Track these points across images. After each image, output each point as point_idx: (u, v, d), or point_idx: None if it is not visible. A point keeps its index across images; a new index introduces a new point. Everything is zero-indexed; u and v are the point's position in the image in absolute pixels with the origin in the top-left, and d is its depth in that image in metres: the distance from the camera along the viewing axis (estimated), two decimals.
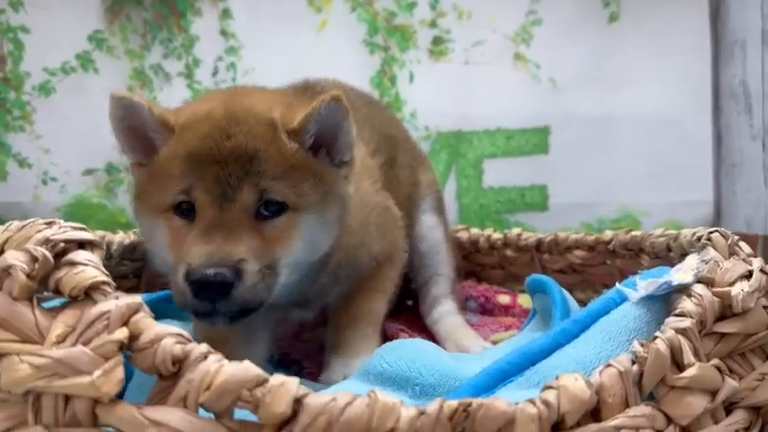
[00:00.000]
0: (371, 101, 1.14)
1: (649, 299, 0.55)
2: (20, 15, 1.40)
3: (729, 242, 0.59)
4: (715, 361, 0.49)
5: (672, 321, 0.49)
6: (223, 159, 0.66)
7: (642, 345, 0.46)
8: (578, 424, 0.42)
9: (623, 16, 1.51)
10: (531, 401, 0.41)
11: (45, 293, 0.45)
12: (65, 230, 0.47)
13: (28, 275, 0.43)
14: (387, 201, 0.89)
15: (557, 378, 0.43)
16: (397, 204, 0.91)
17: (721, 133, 1.53)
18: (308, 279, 0.73)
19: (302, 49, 1.45)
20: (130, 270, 1.01)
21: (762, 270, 0.56)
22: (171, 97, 1.37)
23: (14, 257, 0.44)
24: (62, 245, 0.46)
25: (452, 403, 0.40)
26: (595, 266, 1.08)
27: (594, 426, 0.43)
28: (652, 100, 1.51)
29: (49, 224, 0.48)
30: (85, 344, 0.41)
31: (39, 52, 1.41)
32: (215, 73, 1.46)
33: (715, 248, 0.58)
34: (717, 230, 0.61)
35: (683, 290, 0.53)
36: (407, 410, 0.40)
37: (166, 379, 0.41)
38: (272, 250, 0.66)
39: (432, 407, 0.40)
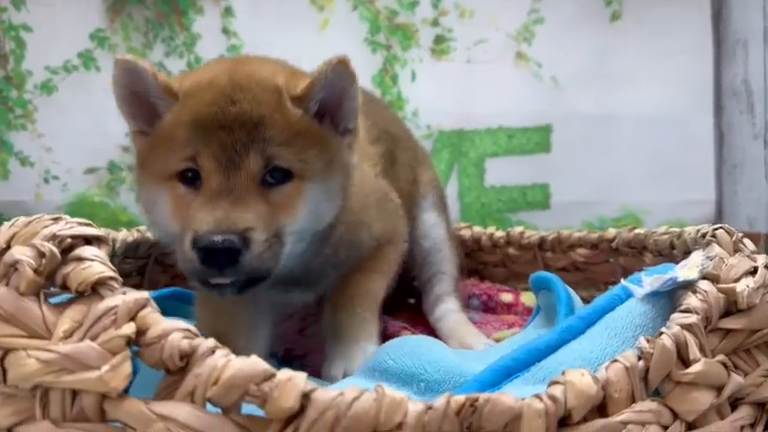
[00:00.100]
0: (373, 99, 1.14)
1: (654, 295, 0.55)
2: (22, 14, 1.40)
3: (734, 239, 0.59)
4: (720, 357, 0.49)
5: (677, 317, 0.49)
6: (228, 125, 0.65)
7: (648, 340, 0.46)
8: (585, 419, 0.43)
9: (625, 15, 1.51)
10: (538, 397, 0.41)
11: (52, 289, 0.45)
12: (71, 226, 0.47)
13: (35, 271, 0.43)
14: (386, 188, 0.88)
15: (563, 373, 0.43)
16: None
17: (723, 132, 1.54)
18: (312, 250, 0.72)
19: (304, 48, 1.43)
20: (133, 268, 1.01)
21: (767, 266, 0.56)
22: None
23: (21, 253, 0.44)
24: (69, 240, 0.46)
25: (459, 398, 0.40)
26: (598, 264, 1.08)
27: (601, 421, 0.43)
28: (654, 99, 1.52)
29: (56, 220, 0.48)
30: (93, 339, 0.41)
31: (40, 50, 1.41)
32: None
33: (720, 245, 0.58)
34: (721, 227, 0.61)
35: (689, 286, 0.53)
36: (415, 405, 0.40)
37: (174, 374, 0.41)
38: (277, 218, 0.66)
39: (439, 402, 0.40)
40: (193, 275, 0.64)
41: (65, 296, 0.44)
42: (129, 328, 0.41)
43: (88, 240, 0.47)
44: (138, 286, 1.00)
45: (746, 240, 0.61)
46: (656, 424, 0.44)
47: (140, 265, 1.02)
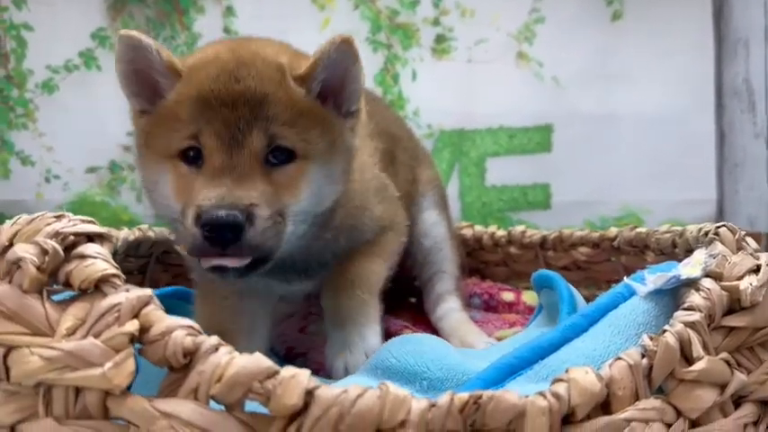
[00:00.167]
0: (374, 98, 1.13)
1: (657, 293, 0.55)
2: (23, 13, 1.40)
3: (737, 237, 0.59)
4: (724, 354, 0.49)
5: (681, 315, 0.49)
6: (232, 102, 0.65)
7: (651, 338, 0.46)
8: (588, 417, 0.43)
9: (626, 14, 1.51)
10: (542, 394, 0.41)
11: (55, 286, 0.45)
12: (74, 224, 0.47)
13: (38, 268, 0.43)
14: (386, 179, 0.88)
15: (567, 371, 0.43)
16: None
17: (724, 131, 1.53)
18: (313, 233, 0.72)
19: (305, 47, 1.43)
20: (135, 266, 1.01)
21: None
22: None
23: (24, 250, 0.44)
24: (72, 238, 0.46)
25: (463, 396, 0.40)
26: (600, 263, 1.08)
27: (604, 418, 0.43)
28: (655, 98, 1.51)
29: (59, 217, 0.48)
30: (96, 336, 0.41)
31: (42, 50, 1.41)
32: None
33: (723, 243, 0.58)
34: (724, 225, 0.61)
35: (692, 284, 0.53)
36: (418, 402, 0.40)
37: (177, 371, 0.41)
38: (280, 198, 0.65)
39: (443, 399, 0.40)
40: (195, 252, 0.63)
41: (68, 293, 0.44)
42: (132, 326, 0.41)
43: (91, 238, 0.47)
44: (139, 285, 0.99)
45: (749, 238, 0.61)
46: (659, 421, 0.44)
47: (142, 263, 1.02)
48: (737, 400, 0.50)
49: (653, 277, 0.55)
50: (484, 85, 1.52)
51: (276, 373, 0.40)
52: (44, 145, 1.41)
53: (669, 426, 0.44)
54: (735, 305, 0.52)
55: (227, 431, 0.39)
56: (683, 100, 1.52)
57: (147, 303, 0.42)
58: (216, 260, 0.63)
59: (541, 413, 0.41)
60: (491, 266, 1.24)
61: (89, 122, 1.41)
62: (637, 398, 0.44)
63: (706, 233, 0.64)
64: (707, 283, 0.52)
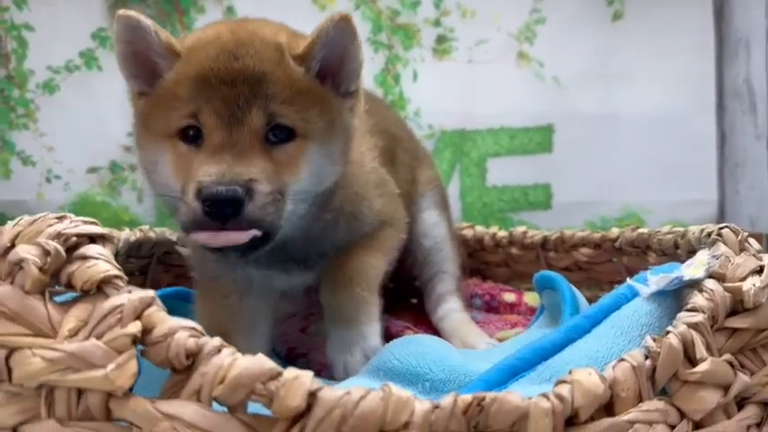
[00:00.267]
0: (375, 98, 1.13)
1: (660, 294, 0.55)
2: (24, 13, 1.40)
3: (740, 238, 0.59)
4: (727, 356, 0.48)
5: (684, 316, 0.49)
6: (231, 81, 0.65)
7: (655, 339, 0.46)
8: (592, 418, 0.42)
9: (627, 14, 1.51)
10: (545, 396, 0.41)
11: (57, 287, 0.45)
12: (76, 225, 0.47)
13: (40, 269, 0.43)
14: (386, 175, 0.87)
15: (570, 372, 0.43)
16: None
17: (725, 132, 1.53)
18: (312, 214, 0.72)
19: None
20: (136, 267, 1.01)
21: None
22: None
23: (26, 251, 0.44)
24: (74, 239, 0.46)
25: (466, 397, 0.40)
26: (602, 264, 1.07)
27: (608, 420, 0.43)
28: (656, 98, 1.51)
29: (61, 218, 0.48)
30: (98, 337, 0.41)
31: (42, 50, 1.41)
32: None
33: (726, 244, 0.58)
34: (727, 226, 0.61)
35: (695, 285, 0.53)
36: (422, 404, 0.40)
37: (180, 373, 0.41)
38: (280, 176, 0.65)
39: (446, 401, 0.40)
40: (194, 227, 0.63)
41: (70, 295, 0.44)
42: (134, 327, 0.41)
43: (93, 239, 0.47)
44: (140, 286, 0.98)
45: (752, 240, 0.61)
46: (663, 423, 0.44)
47: (143, 264, 1.02)
48: (741, 402, 0.50)
49: (656, 278, 0.55)
50: (485, 86, 1.52)
51: (279, 374, 0.39)
52: (45, 145, 1.41)
53: (673, 427, 0.44)
54: (738, 306, 0.52)
55: None
56: (684, 100, 1.52)
57: (149, 305, 0.42)
58: (216, 237, 0.63)
59: (545, 415, 0.40)
60: (492, 267, 1.24)
61: (90, 123, 1.41)
62: (640, 399, 0.44)
63: (708, 234, 0.63)
64: (710, 284, 0.52)
